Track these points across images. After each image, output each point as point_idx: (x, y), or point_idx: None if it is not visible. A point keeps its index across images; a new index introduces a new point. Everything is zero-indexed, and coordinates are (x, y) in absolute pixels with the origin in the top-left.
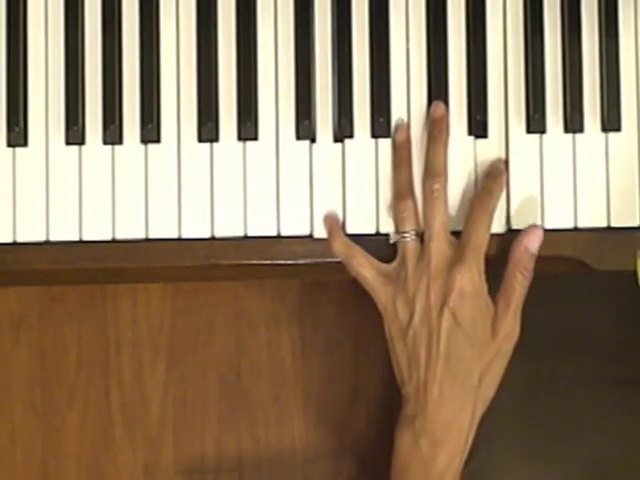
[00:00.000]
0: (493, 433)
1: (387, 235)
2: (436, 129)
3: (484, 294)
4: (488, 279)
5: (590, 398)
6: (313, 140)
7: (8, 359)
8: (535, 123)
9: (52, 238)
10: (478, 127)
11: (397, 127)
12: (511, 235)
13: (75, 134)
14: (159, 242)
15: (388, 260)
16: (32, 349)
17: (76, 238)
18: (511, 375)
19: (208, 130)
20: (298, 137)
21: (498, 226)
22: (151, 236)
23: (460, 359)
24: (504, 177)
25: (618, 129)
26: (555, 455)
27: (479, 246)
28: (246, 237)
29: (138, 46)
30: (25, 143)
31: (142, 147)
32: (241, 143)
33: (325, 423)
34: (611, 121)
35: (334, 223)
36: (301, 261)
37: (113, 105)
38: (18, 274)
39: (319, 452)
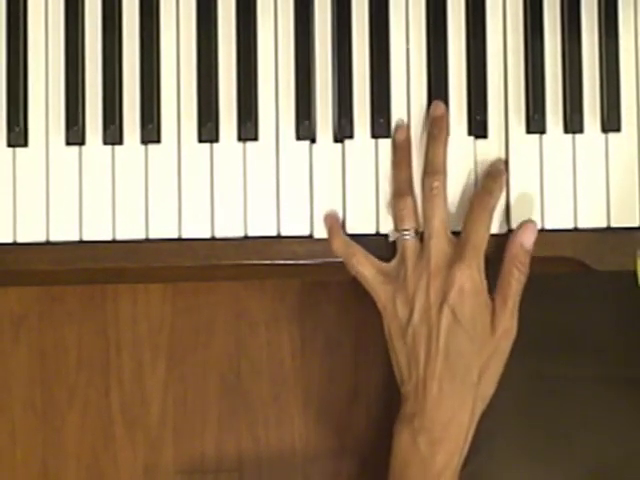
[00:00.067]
0: (494, 433)
1: (387, 235)
2: (436, 128)
3: (484, 292)
4: (488, 278)
5: (591, 398)
6: (313, 140)
7: (8, 359)
8: (535, 123)
9: (52, 238)
10: (478, 127)
11: (397, 127)
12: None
13: (75, 134)
14: (159, 242)
15: (388, 260)
16: (32, 349)
17: (76, 238)
18: (512, 375)
19: (208, 130)
20: (298, 137)
21: (498, 226)
22: (151, 236)
23: (459, 356)
24: (504, 177)
25: (618, 129)
26: (556, 455)
27: (479, 244)
28: (246, 237)
29: (138, 46)
30: (25, 143)
31: (142, 147)
32: (241, 143)
33: (325, 423)
34: (611, 121)
35: (334, 222)
36: (301, 261)
37: (113, 105)
38: (18, 274)
39: (319, 452)
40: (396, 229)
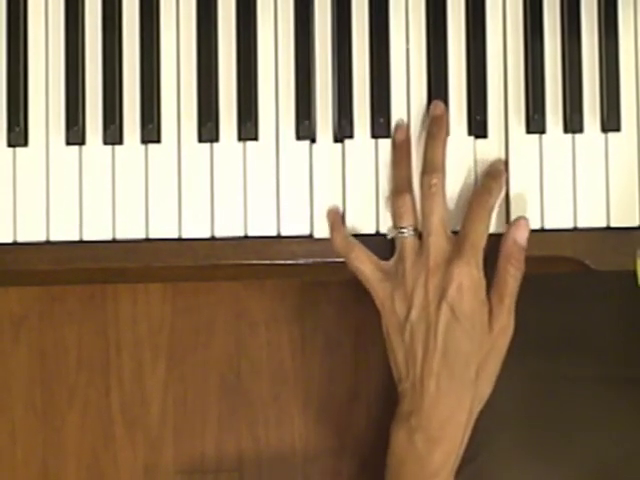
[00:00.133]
0: (494, 433)
1: (386, 235)
2: (435, 126)
3: (482, 289)
4: (487, 277)
5: (591, 398)
6: (313, 140)
7: (8, 359)
8: (535, 123)
9: (52, 238)
10: (478, 127)
11: (397, 127)
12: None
13: (75, 134)
14: (159, 242)
15: (388, 259)
16: (32, 349)
17: (76, 238)
18: (512, 375)
19: (208, 130)
20: (298, 137)
21: (498, 226)
22: (151, 236)
23: (457, 353)
24: (503, 177)
25: (618, 129)
26: (556, 455)
27: (478, 242)
28: (246, 237)
29: (138, 46)
30: (25, 143)
31: (142, 147)
32: (241, 143)
33: (325, 423)
34: (611, 121)
35: (336, 217)
36: (301, 261)
37: (113, 105)
38: (18, 274)
39: (319, 452)
40: (395, 227)
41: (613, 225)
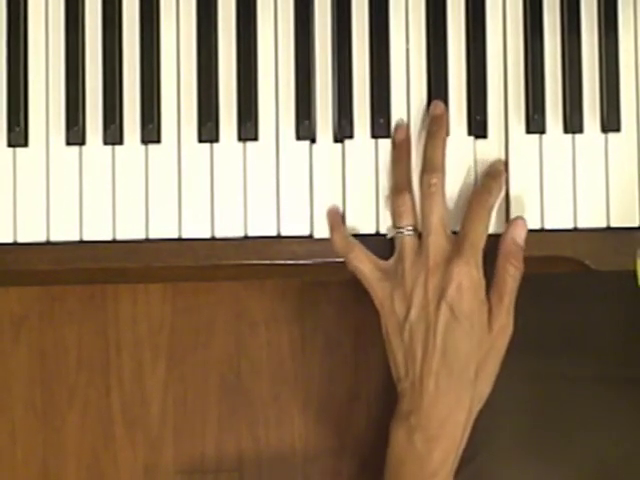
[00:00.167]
0: (494, 432)
1: (386, 235)
2: (435, 125)
3: (481, 289)
4: (486, 277)
5: (591, 398)
6: (313, 140)
7: (9, 359)
8: (535, 123)
9: (53, 238)
10: (478, 127)
11: (397, 127)
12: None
13: (75, 134)
14: (159, 242)
15: (387, 259)
16: (33, 349)
17: (77, 238)
18: (512, 375)
19: (208, 130)
20: (298, 137)
21: (498, 226)
22: (151, 236)
23: (457, 353)
24: (503, 177)
25: (618, 130)
26: (556, 454)
27: (477, 242)
28: (246, 237)
29: (138, 46)
30: (26, 143)
31: (142, 147)
32: (241, 143)
33: (325, 423)
34: (611, 122)
35: (336, 217)
36: (301, 261)
37: (113, 105)
38: (19, 274)
39: (319, 452)
40: (394, 226)
41: (613, 225)
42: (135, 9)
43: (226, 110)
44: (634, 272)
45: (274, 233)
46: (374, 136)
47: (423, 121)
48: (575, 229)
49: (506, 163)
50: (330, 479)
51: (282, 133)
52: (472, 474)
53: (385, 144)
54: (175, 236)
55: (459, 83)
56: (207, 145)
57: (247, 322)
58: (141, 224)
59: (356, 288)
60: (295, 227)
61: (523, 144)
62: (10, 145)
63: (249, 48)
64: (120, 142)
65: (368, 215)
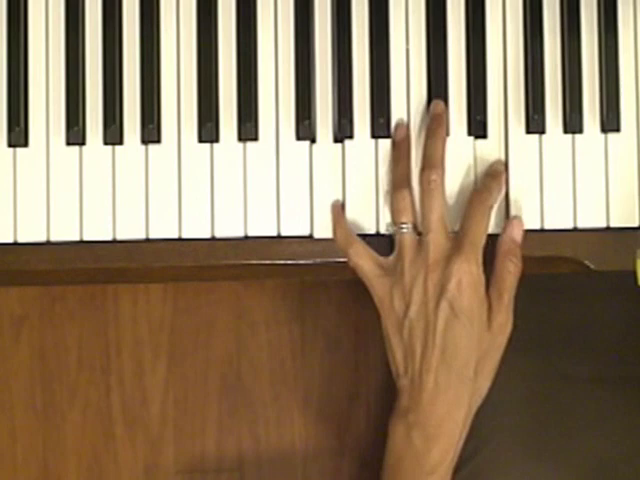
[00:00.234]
0: (494, 432)
1: (386, 235)
2: (435, 123)
3: (481, 286)
4: (486, 276)
5: (591, 397)
6: (313, 140)
7: (9, 359)
8: (534, 123)
9: (53, 238)
10: (478, 127)
11: (397, 126)
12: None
13: (76, 134)
14: (159, 242)
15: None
16: (33, 349)
17: (77, 238)
18: (512, 374)
19: (208, 130)
20: (298, 137)
21: (498, 226)
22: (152, 236)
23: (456, 351)
24: (503, 177)
25: (617, 130)
26: (555, 454)
27: (477, 239)
28: (246, 237)
29: (139, 47)
30: (26, 143)
31: (142, 147)
32: (241, 143)
33: (325, 423)
34: (610, 122)
35: (338, 211)
36: (301, 261)
37: (114, 105)
38: (19, 274)
39: (319, 451)
40: (393, 223)
41: (613, 225)
42: (135, 9)
43: (226, 110)
44: (634, 272)
45: (274, 233)
46: (374, 136)
47: (423, 121)
48: (575, 229)
49: (506, 163)
50: (330, 479)
51: (282, 133)
52: (472, 473)
53: (385, 144)
54: (175, 236)
55: (459, 83)
56: (207, 145)
57: (247, 322)
58: (141, 224)
59: (356, 288)
60: (295, 227)
61: (523, 144)
62: (10, 145)
63: (249, 48)
64: (120, 142)
65: (368, 215)
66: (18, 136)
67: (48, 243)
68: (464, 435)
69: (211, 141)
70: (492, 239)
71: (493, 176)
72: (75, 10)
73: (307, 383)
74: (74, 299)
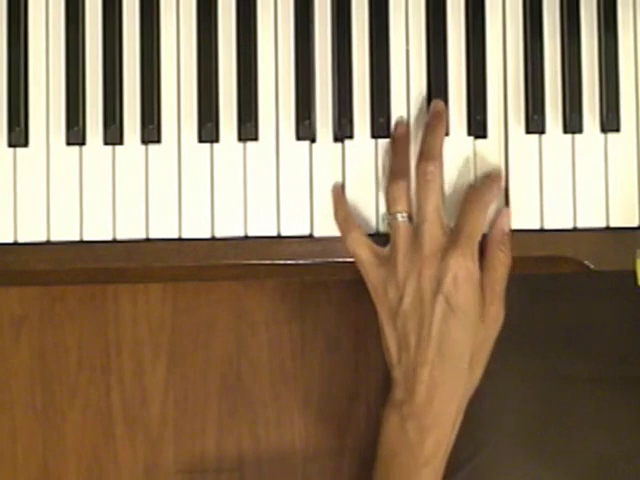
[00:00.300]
0: (494, 432)
1: (386, 236)
2: (435, 119)
3: (477, 280)
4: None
5: (591, 398)
6: (313, 140)
7: (9, 359)
8: (534, 123)
9: (53, 238)
10: (478, 127)
11: (397, 123)
12: (511, 235)
13: (76, 134)
14: (159, 242)
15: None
16: (33, 349)
17: (77, 238)
18: (512, 374)
19: (208, 130)
20: (298, 137)
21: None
22: (152, 236)
23: (452, 344)
24: (502, 180)
25: (617, 130)
26: (556, 454)
27: (473, 233)
28: (246, 237)
29: (139, 47)
30: (26, 143)
31: (143, 147)
32: (241, 143)
33: (325, 422)
34: (610, 122)
35: (339, 193)
36: (301, 261)
37: (114, 105)
38: (19, 274)
39: (319, 451)
40: (389, 212)
41: (613, 225)
42: (135, 9)
43: (226, 110)
44: (634, 272)
45: (274, 233)
46: (374, 136)
47: (423, 121)
48: (575, 229)
49: (506, 163)
50: (330, 479)
51: (282, 133)
52: (472, 474)
53: (385, 144)
54: (175, 236)
55: (459, 83)
56: (207, 145)
57: (247, 322)
58: (141, 224)
59: (356, 288)
60: (295, 227)
61: (523, 144)
62: (10, 145)
63: (249, 48)
64: (120, 142)
65: (368, 215)
66: (18, 136)
67: (48, 243)
68: (457, 426)
69: (211, 141)
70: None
71: (492, 178)
72: (75, 10)
73: (307, 383)
74: (74, 299)
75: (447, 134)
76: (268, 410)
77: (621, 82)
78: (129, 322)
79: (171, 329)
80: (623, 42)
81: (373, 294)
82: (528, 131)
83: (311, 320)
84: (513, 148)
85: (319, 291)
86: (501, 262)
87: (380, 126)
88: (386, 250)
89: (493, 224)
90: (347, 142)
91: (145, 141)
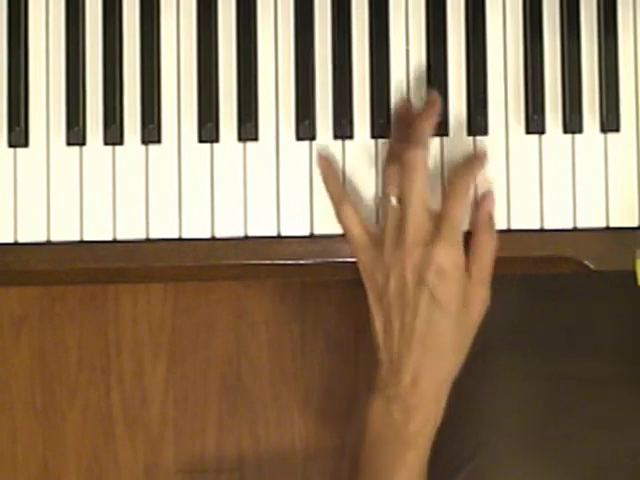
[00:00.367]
0: (495, 432)
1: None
2: (427, 106)
3: (462, 268)
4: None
5: (593, 397)
6: (313, 140)
7: (9, 359)
8: (534, 124)
9: (53, 238)
10: (478, 128)
11: (399, 105)
12: (511, 235)
13: (76, 135)
14: (160, 242)
15: None
16: (33, 349)
17: (77, 238)
18: (514, 374)
19: (208, 131)
20: (298, 137)
21: (498, 226)
22: (152, 236)
23: (436, 334)
24: (485, 157)
25: (617, 130)
26: (557, 455)
27: (456, 220)
28: (246, 237)
29: (139, 47)
30: (26, 143)
31: (143, 147)
32: (241, 144)
33: (325, 422)
34: (610, 122)
35: (327, 165)
36: (301, 261)
37: (114, 106)
38: (19, 274)
39: (319, 451)
40: (383, 194)
41: (613, 225)
42: (135, 9)
43: (226, 110)
44: (634, 272)
45: (274, 233)
46: (374, 136)
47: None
48: (575, 229)
49: (506, 163)
50: (330, 478)
51: (282, 133)
52: (472, 474)
53: (385, 144)
54: (175, 236)
55: (459, 83)
56: (207, 145)
57: (247, 322)
58: (141, 224)
59: (356, 288)
60: (295, 227)
61: (523, 144)
62: (11, 145)
63: (249, 48)
64: (120, 142)
65: (368, 215)
66: (18, 136)
67: (48, 243)
68: (442, 407)
69: (211, 141)
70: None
71: (475, 155)
72: (75, 10)
73: (307, 383)
74: (74, 299)
75: (447, 134)
76: (268, 410)
77: (621, 82)
78: (129, 322)
79: (171, 329)
80: (623, 42)
81: (362, 273)
82: (528, 131)
83: (311, 320)
84: (513, 148)
85: (319, 291)
86: (488, 246)
87: (380, 126)
88: (377, 229)
89: (479, 207)
90: (347, 142)
91: (145, 141)
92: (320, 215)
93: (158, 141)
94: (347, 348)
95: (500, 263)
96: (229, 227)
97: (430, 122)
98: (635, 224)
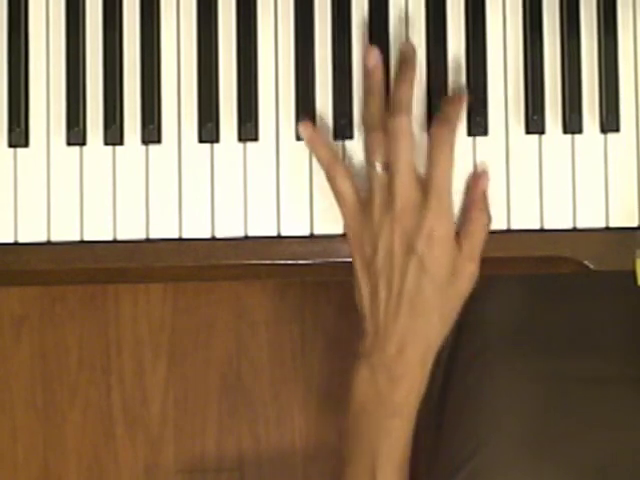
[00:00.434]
0: (495, 432)
1: None
2: (404, 65)
3: (452, 236)
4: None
5: (593, 397)
6: None
7: (10, 359)
8: (534, 124)
9: (53, 238)
10: (478, 127)
11: (368, 51)
12: (511, 235)
13: (76, 135)
14: (160, 242)
15: None
16: (33, 349)
17: (77, 238)
18: (513, 374)
19: (208, 131)
20: (298, 137)
21: (498, 226)
22: (152, 236)
23: (423, 302)
24: (461, 100)
25: (617, 130)
26: (557, 455)
27: (443, 185)
28: (246, 237)
29: (139, 47)
30: (26, 143)
31: (143, 148)
32: (241, 144)
33: (325, 422)
34: (610, 122)
35: (311, 131)
36: (301, 261)
37: (114, 106)
38: (19, 274)
39: (319, 451)
40: (367, 162)
41: (613, 225)
42: (136, 10)
43: (226, 110)
44: (633, 272)
45: (274, 233)
46: None
47: (423, 121)
48: (574, 229)
49: (506, 163)
50: (330, 479)
51: (282, 133)
52: (472, 473)
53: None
54: (175, 236)
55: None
56: (207, 145)
57: (247, 322)
58: (141, 224)
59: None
60: (295, 227)
61: (522, 144)
62: (11, 145)
63: (249, 48)
64: (121, 142)
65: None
66: (19, 136)
67: (48, 243)
68: (427, 377)
69: (211, 141)
70: (496, 237)
71: (449, 102)
72: (75, 10)
73: (307, 383)
74: (74, 299)
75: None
76: (268, 410)
77: (621, 82)
78: (129, 322)
79: (171, 329)
80: (623, 42)
81: (349, 240)
82: (528, 131)
83: (311, 320)
84: (513, 148)
85: (319, 291)
86: (481, 223)
87: None
88: (366, 195)
89: (472, 185)
90: (347, 142)
91: (145, 141)
92: (320, 215)
93: (158, 141)
94: (347, 348)
95: (500, 263)
96: (229, 227)
97: (410, 84)
98: (635, 224)
